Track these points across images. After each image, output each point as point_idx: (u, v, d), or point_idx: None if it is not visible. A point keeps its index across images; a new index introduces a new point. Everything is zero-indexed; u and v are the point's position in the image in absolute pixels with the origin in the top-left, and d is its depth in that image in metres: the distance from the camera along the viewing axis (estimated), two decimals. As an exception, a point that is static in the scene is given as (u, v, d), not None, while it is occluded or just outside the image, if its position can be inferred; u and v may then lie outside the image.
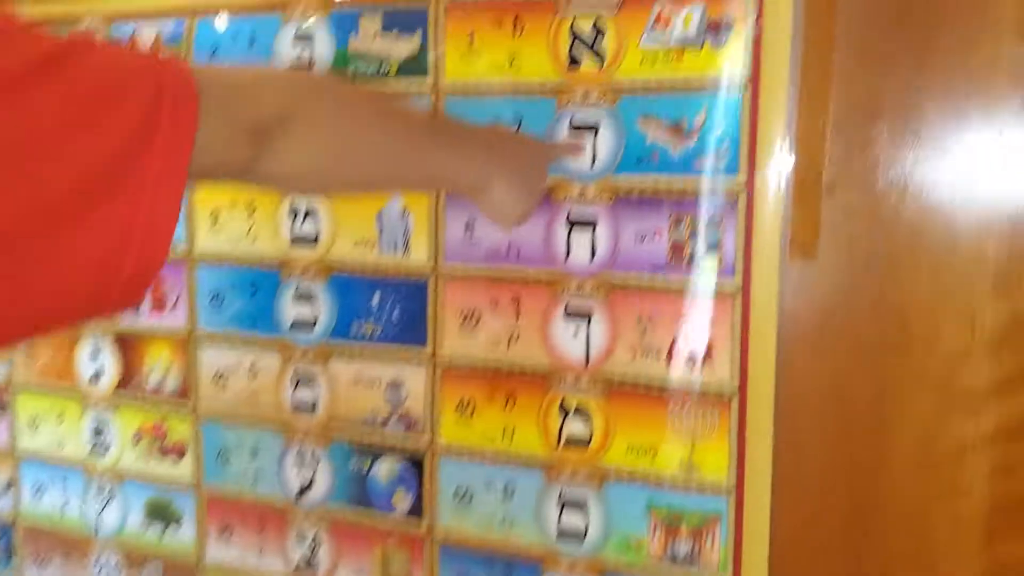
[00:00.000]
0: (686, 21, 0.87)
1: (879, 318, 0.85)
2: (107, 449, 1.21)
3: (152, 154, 0.48)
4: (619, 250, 0.92)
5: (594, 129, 0.92)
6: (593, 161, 0.92)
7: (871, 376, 0.86)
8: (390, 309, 1.03)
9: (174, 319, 1.14)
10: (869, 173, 0.84)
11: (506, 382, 0.98)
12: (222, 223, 1.10)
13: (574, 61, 0.92)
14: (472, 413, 1.00)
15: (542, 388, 0.97)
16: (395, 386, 1.04)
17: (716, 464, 0.90)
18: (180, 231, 1.12)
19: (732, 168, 0.87)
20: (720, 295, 0.89)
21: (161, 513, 1.19)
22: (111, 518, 1.22)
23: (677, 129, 0.89)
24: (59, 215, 0.46)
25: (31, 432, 1.26)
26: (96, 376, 1.21)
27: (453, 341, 1.00)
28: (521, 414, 0.98)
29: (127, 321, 1.17)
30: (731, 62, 0.86)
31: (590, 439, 0.95)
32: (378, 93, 0.71)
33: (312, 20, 1.02)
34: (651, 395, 0.92)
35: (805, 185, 0.86)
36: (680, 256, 0.90)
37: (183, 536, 1.18)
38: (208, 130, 0.52)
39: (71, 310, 0.51)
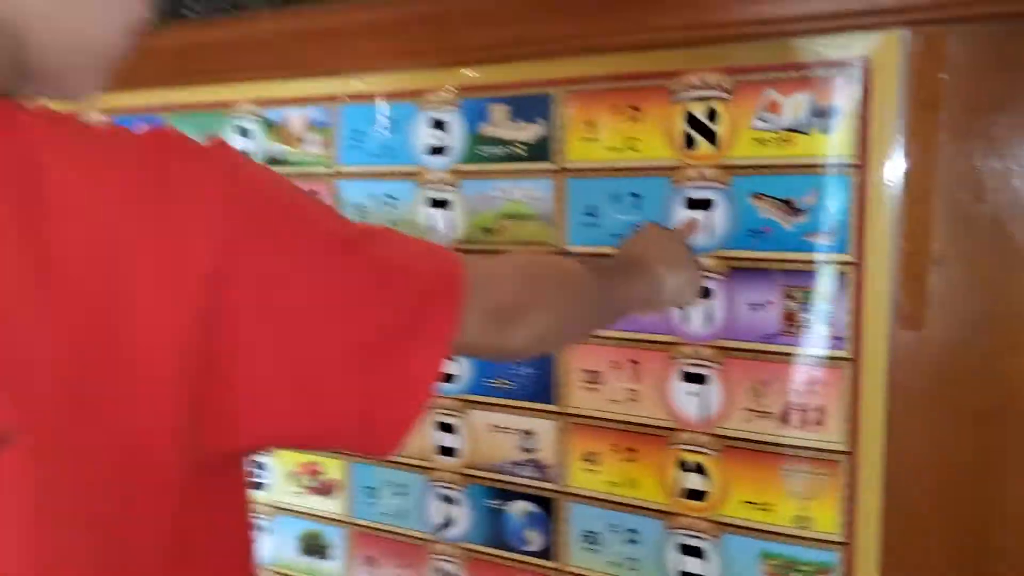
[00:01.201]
0: (795, 107, 0.93)
1: (987, 386, 0.90)
2: (266, 485, 1.35)
3: (420, 336, 0.58)
4: (734, 318, 0.99)
5: (709, 205, 0.99)
6: (709, 235, 0.99)
7: (979, 441, 0.90)
8: (520, 366, 1.12)
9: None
10: (976, 247, 0.89)
11: (628, 437, 1.06)
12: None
13: (689, 143, 0.99)
14: (598, 463, 1.09)
15: (662, 444, 1.04)
16: (527, 435, 1.13)
17: (827, 520, 0.96)
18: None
19: (842, 244, 0.92)
20: (831, 363, 0.94)
21: (313, 546, 1.32)
22: (268, 549, 1.35)
23: (788, 206, 0.95)
24: (344, 360, 0.56)
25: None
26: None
27: (578, 398, 1.09)
28: (643, 467, 1.06)
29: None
30: (838, 146, 0.91)
31: (707, 492, 1.02)
32: (575, 267, 0.83)
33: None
34: (765, 454, 0.98)
35: (913, 260, 0.90)
36: (792, 325, 0.96)
37: (333, 567, 1.30)
38: (465, 316, 0.61)
39: (340, 435, 0.61)
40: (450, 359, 0.61)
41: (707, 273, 0.99)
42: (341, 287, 0.56)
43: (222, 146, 0.56)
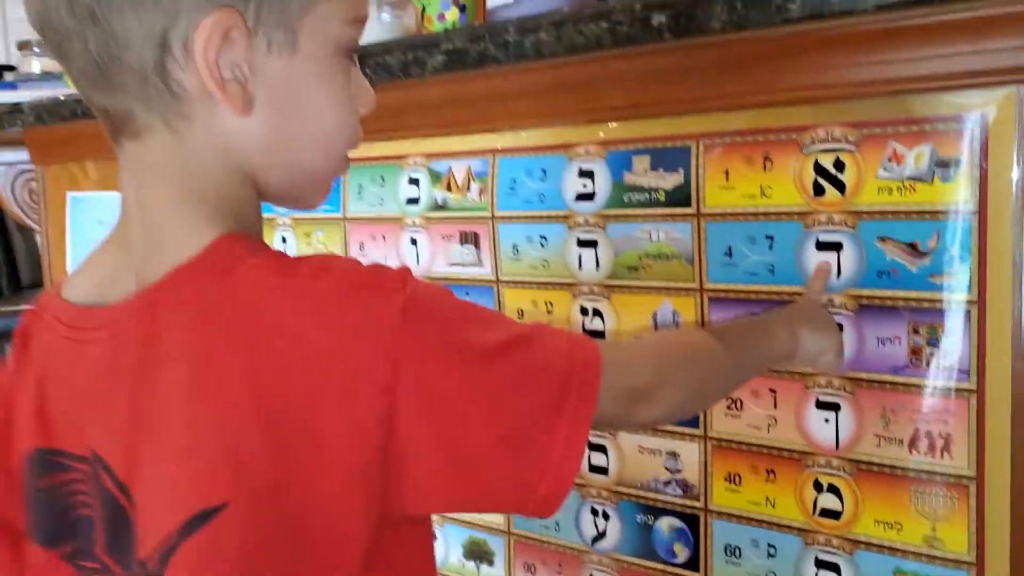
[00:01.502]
0: (917, 158, 1.00)
1: (1111, 417, 0.95)
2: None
3: (562, 420, 0.71)
4: (863, 351, 1.07)
5: (838, 248, 1.07)
6: (839, 274, 1.07)
7: (1105, 469, 0.95)
8: (665, 393, 1.23)
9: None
10: (1097, 286, 0.94)
11: (767, 460, 1.15)
12: (527, 318, 1.35)
13: (818, 190, 1.07)
14: (739, 483, 1.18)
15: (798, 467, 1.13)
16: (673, 456, 1.24)
17: (957, 541, 1.02)
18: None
19: (965, 285, 0.99)
20: (956, 393, 1.01)
21: (477, 552, 1.46)
22: (436, 554, 1.50)
23: (913, 249, 1.02)
24: (496, 448, 0.70)
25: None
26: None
27: (720, 423, 1.19)
28: (780, 487, 1.14)
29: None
30: (959, 194, 0.98)
31: (841, 512, 1.10)
32: (706, 342, 0.93)
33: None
34: (895, 478, 1.06)
35: (1034, 299, 0.96)
36: (919, 359, 1.03)
37: (495, 572, 1.44)
38: (601, 398, 0.74)
39: (500, 506, 0.79)
40: (590, 434, 0.73)
41: (838, 310, 1.07)
42: (493, 389, 0.70)
43: (403, 275, 0.70)
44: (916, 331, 1.03)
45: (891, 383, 1.05)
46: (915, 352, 1.03)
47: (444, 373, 0.68)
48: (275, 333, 0.67)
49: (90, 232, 2.00)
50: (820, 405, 1.10)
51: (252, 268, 0.70)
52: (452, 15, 1.44)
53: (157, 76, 0.69)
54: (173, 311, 0.69)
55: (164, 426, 0.68)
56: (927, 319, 1.02)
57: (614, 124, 1.22)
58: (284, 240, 1.64)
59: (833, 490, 1.10)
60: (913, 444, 1.04)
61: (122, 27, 0.67)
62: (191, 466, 0.67)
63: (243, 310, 0.68)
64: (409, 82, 1.34)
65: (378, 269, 0.71)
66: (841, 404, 1.09)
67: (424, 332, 0.68)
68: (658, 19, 1.04)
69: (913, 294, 1.03)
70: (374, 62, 1.35)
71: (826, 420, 1.10)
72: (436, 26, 1.44)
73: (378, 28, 1.57)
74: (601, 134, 1.24)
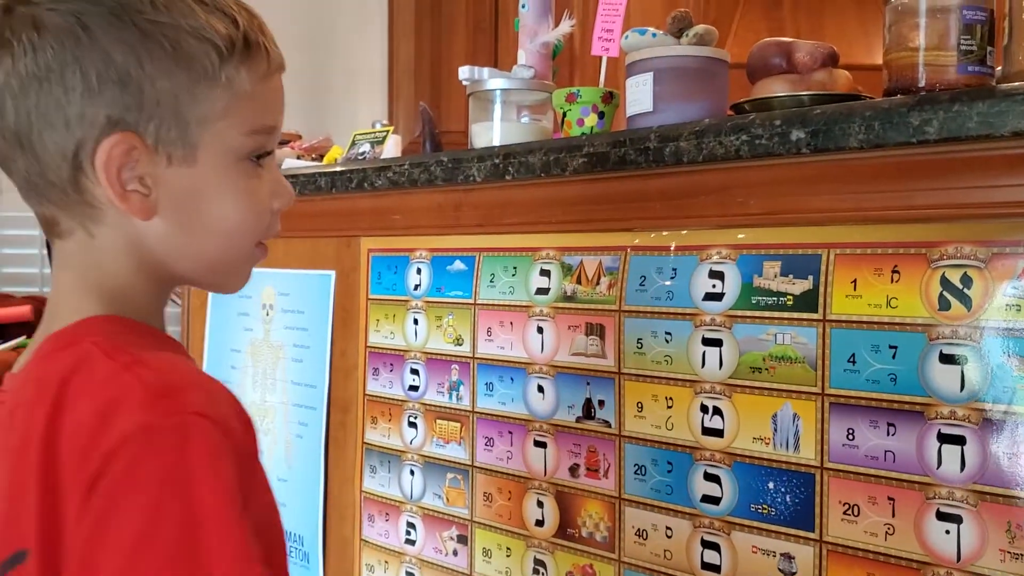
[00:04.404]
0: (1048, 278, 1.04)
1: None
2: (546, 580, 1.53)
3: None
4: (987, 465, 1.08)
5: (962, 361, 1.09)
6: (962, 387, 1.10)
7: None
8: (783, 494, 1.25)
9: (606, 483, 1.45)
10: None
11: (883, 568, 1.16)
12: (646, 411, 1.39)
13: (944, 304, 1.11)
14: (853, 589, 1.19)
15: (917, 577, 1.14)
16: (788, 558, 1.25)
17: (1082, 665, 1.01)
18: (612, 415, 1.43)
19: (1094, 404, 1.01)
20: (1084, 514, 1.02)
21: (586, 638, 1.48)
22: (546, 637, 1.53)
23: (1041, 366, 1.04)
24: None
25: (484, 561, 1.62)
26: (539, 522, 1.54)
27: (836, 528, 1.20)
28: (897, 597, 1.15)
29: (567, 479, 1.49)
30: (1091, 315, 1.01)
31: (961, 627, 1.10)
32: None
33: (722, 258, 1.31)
34: (1019, 595, 1.06)
35: None
36: (1045, 476, 1.04)
37: (603, 660, 1.45)
38: None
39: None
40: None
41: (961, 423, 1.09)
42: None
43: (208, 407, 0.77)
44: (1044, 447, 1.04)
45: (1017, 498, 1.06)
46: (1042, 469, 1.04)
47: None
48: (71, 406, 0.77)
49: (227, 300, 2.14)
50: (941, 516, 1.12)
51: (91, 345, 0.80)
52: (591, 120, 1.54)
53: (72, 189, 0.83)
54: (25, 379, 0.83)
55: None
56: (1055, 436, 1.03)
57: (748, 231, 1.28)
58: (416, 322, 1.73)
59: (952, 603, 1.11)
60: (1038, 562, 1.04)
61: (42, 149, 0.81)
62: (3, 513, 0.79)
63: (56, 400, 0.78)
64: (548, 180, 1.43)
65: (189, 387, 0.79)
66: (963, 516, 1.10)
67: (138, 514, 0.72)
68: (797, 134, 1.11)
69: (1041, 410, 1.04)
70: (517, 161, 1.45)
71: (947, 531, 1.11)
72: (575, 130, 1.54)
73: (517, 130, 1.68)
74: (738, 237, 1.30)
